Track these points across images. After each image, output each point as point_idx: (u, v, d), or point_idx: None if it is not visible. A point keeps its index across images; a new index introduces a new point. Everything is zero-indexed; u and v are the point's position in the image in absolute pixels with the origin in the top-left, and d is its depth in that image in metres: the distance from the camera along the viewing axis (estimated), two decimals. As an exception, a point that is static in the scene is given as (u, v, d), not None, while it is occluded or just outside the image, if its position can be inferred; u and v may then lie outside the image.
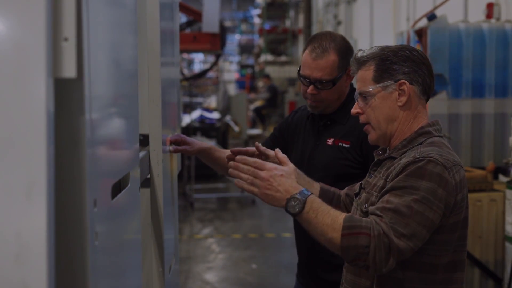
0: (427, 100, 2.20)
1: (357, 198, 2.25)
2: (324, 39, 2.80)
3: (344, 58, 2.77)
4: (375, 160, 2.24)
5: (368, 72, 2.14)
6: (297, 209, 1.97)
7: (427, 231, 1.94)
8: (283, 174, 2.03)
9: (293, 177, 2.05)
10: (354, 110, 2.20)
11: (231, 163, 2.10)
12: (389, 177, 2.05)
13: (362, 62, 2.17)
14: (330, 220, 1.93)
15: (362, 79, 2.16)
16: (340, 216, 1.93)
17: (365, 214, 2.11)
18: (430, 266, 2.04)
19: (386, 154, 2.17)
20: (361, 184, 2.31)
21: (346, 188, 2.48)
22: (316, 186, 2.47)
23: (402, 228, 1.90)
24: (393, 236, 1.89)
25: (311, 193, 2.00)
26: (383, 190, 2.02)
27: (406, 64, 2.10)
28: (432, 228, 1.96)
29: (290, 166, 2.10)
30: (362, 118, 2.19)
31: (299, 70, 2.84)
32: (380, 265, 1.89)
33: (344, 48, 2.79)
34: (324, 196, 2.40)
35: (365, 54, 2.16)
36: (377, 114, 2.14)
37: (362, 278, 2.14)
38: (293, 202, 1.97)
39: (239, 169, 2.07)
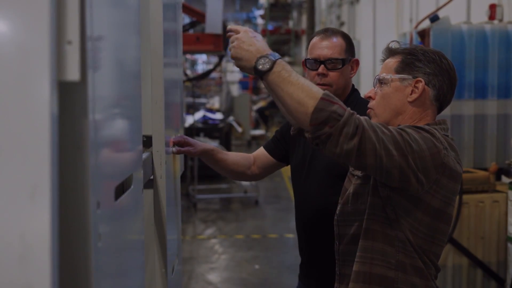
0: (440, 110, 2.21)
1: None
2: (329, 29, 2.94)
3: (350, 45, 2.87)
4: None
5: (393, 61, 2.19)
6: (268, 66, 1.96)
7: (398, 158, 1.92)
8: (255, 36, 2.05)
9: (265, 42, 2.06)
10: (368, 93, 2.24)
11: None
12: None
13: (392, 52, 2.22)
14: (307, 84, 1.93)
15: (386, 66, 2.21)
16: (317, 87, 1.94)
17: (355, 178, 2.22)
18: (403, 242, 2.06)
19: None
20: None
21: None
22: None
23: (377, 128, 1.92)
24: (365, 123, 1.90)
25: (282, 57, 2.01)
26: None
27: (430, 65, 2.14)
28: (403, 168, 1.94)
29: (260, 35, 2.11)
30: (371, 103, 2.22)
31: (305, 59, 2.88)
32: (345, 138, 1.87)
33: (348, 38, 2.89)
34: None
35: (398, 46, 2.22)
36: (385, 102, 2.18)
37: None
38: (263, 60, 1.97)
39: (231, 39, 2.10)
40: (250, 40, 2.03)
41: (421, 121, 2.16)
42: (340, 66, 2.79)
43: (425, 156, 1.96)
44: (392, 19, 11.29)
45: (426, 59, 2.14)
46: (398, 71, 2.16)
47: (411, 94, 2.14)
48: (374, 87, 2.22)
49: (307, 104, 1.88)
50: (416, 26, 6.10)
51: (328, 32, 2.86)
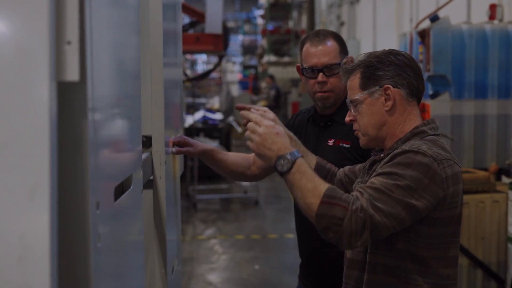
0: (418, 102, 2.22)
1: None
2: (320, 31, 2.90)
3: (343, 45, 2.84)
4: (371, 160, 2.27)
5: (355, 80, 2.20)
6: (285, 169, 2.01)
7: (407, 214, 1.95)
8: (278, 132, 2.06)
9: (287, 137, 2.08)
10: (348, 118, 2.26)
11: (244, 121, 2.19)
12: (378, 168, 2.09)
13: (349, 71, 2.23)
14: (312, 186, 1.96)
15: (351, 87, 2.22)
16: (323, 185, 1.96)
17: None
18: (424, 259, 2.06)
19: (382, 155, 2.19)
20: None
21: (347, 167, 2.50)
22: (312, 158, 2.52)
23: (381, 204, 1.92)
24: (371, 210, 1.91)
25: (301, 156, 2.03)
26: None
27: (389, 68, 2.14)
28: (415, 215, 1.97)
29: (280, 128, 2.12)
30: (355, 125, 2.24)
31: (302, 68, 2.86)
32: (354, 239, 1.90)
33: (340, 39, 2.88)
34: (319, 171, 2.45)
35: (351, 64, 2.22)
36: (366, 120, 2.19)
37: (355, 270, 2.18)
38: (282, 161, 2.01)
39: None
40: (272, 138, 2.06)
41: (407, 122, 2.16)
42: (338, 71, 2.77)
43: (426, 184, 1.97)
44: (392, 19, 11.30)
45: (383, 65, 2.14)
46: (364, 87, 2.17)
47: (385, 103, 2.14)
48: (349, 109, 2.23)
49: (312, 208, 1.94)
50: (416, 26, 6.10)
51: (319, 37, 2.83)
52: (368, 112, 2.17)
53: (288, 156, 2.01)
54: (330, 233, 1.91)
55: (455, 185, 2.03)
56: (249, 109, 2.41)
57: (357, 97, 2.17)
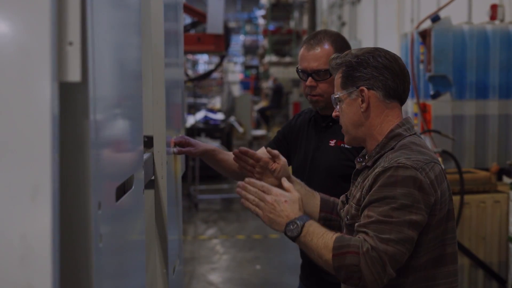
0: (401, 102, 2.21)
1: (343, 209, 2.29)
2: (319, 34, 2.88)
3: (340, 50, 2.80)
4: (355, 169, 2.27)
5: (338, 78, 2.22)
6: (295, 233, 2.05)
7: (414, 232, 1.96)
8: (287, 200, 2.11)
9: (296, 205, 2.12)
10: (334, 113, 2.28)
11: (240, 183, 2.19)
12: (364, 189, 2.08)
13: (335, 68, 2.24)
14: (323, 242, 1.99)
15: (335, 85, 2.24)
16: (331, 238, 1.99)
17: (348, 226, 2.17)
18: (423, 264, 2.06)
19: (363, 164, 2.19)
20: (346, 195, 2.34)
21: (342, 195, 2.50)
22: (317, 196, 2.51)
23: (388, 234, 1.93)
24: (380, 245, 1.92)
25: (310, 219, 2.08)
26: (362, 205, 2.05)
27: (366, 70, 2.14)
28: (419, 228, 1.98)
29: (295, 194, 2.15)
30: (340, 121, 2.26)
31: (297, 68, 2.87)
32: (379, 278, 1.92)
33: (340, 42, 2.84)
34: (325, 206, 2.46)
35: (337, 61, 2.22)
36: (345, 119, 2.21)
37: None
38: (291, 226, 2.06)
39: (247, 190, 2.16)
40: (281, 206, 2.10)
41: (385, 124, 2.16)
42: (328, 76, 2.77)
43: (417, 196, 1.97)
44: (393, 19, 11.29)
45: (360, 66, 2.14)
46: (343, 86, 2.18)
47: (361, 104, 2.14)
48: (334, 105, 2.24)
49: (329, 264, 1.97)
50: (417, 26, 6.10)
51: (314, 41, 2.82)
52: (347, 111, 2.18)
53: (298, 221, 2.05)
54: (353, 281, 1.93)
55: (440, 185, 2.04)
56: (252, 155, 2.47)
57: (337, 95, 2.20)
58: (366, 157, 2.22)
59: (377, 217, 1.96)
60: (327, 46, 2.79)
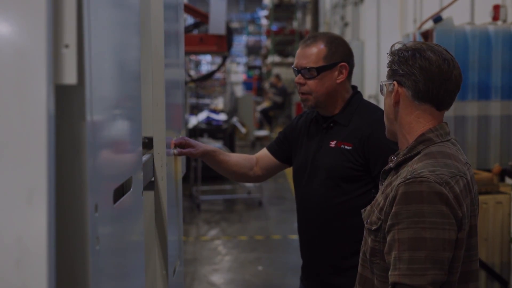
0: (437, 107, 2.15)
1: (365, 209, 2.22)
2: (318, 34, 2.92)
3: (335, 51, 2.82)
4: (383, 169, 2.22)
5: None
6: None
7: (449, 250, 1.91)
8: None
9: None
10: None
11: None
12: (387, 200, 2.01)
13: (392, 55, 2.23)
14: None
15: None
16: None
17: (368, 230, 2.11)
18: (449, 283, 1.99)
19: (391, 165, 2.14)
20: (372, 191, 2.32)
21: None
22: None
23: (423, 263, 1.88)
24: (418, 280, 1.87)
25: None
26: (387, 226, 1.98)
27: (403, 66, 2.11)
28: (453, 246, 1.93)
29: None
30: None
31: (292, 65, 2.92)
32: None
33: (336, 43, 2.85)
34: None
35: (395, 47, 2.21)
36: (388, 112, 2.19)
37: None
38: None
39: None
40: None
41: (415, 124, 2.11)
42: (315, 75, 2.79)
43: (446, 212, 1.91)
44: (396, 20, 11.29)
45: (399, 61, 2.12)
46: (388, 76, 2.19)
47: (393, 97, 2.14)
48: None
49: None
50: (420, 27, 6.10)
51: (309, 40, 2.86)
52: (386, 100, 2.19)
53: None
54: None
55: (466, 197, 1.99)
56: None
57: (382, 83, 2.22)
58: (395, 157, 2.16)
59: (408, 245, 1.90)
60: (320, 46, 2.83)
